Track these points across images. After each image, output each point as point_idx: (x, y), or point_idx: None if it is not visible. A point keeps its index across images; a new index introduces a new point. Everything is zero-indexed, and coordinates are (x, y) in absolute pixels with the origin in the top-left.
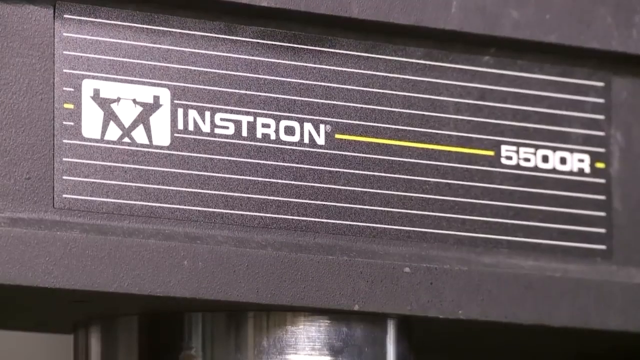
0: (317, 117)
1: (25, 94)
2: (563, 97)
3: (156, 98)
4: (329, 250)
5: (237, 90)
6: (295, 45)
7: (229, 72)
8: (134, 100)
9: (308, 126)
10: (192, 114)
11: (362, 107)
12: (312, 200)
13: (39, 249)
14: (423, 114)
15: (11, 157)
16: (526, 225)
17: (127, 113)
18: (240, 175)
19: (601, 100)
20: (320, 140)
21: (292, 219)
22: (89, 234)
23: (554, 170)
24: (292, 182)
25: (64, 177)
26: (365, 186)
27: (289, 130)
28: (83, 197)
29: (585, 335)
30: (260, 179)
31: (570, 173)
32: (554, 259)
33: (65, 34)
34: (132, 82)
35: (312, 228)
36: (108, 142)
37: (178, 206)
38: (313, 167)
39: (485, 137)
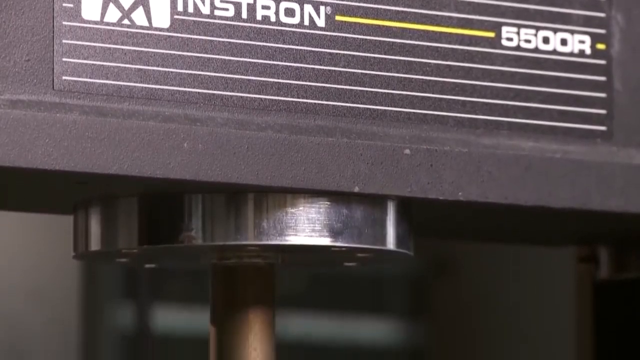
0: None
1: None
2: None
3: None
4: (329, 132)
5: None
6: None
7: None
8: None
9: (308, 8)
10: None
11: None
12: (312, 82)
13: (38, 131)
14: None
15: (10, 39)
16: (526, 107)
17: None
18: (240, 57)
19: None
20: (320, 22)
21: (292, 101)
22: (89, 116)
23: (554, 52)
24: (292, 64)
25: (64, 59)
26: (365, 68)
27: (289, 12)
28: (82, 79)
29: (585, 216)
30: (260, 61)
31: (571, 54)
32: (554, 140)
33: None
34: None
35: (312, 110)
36: (107, 24)
37: (178, 88)
38: (313, 49)
39: (486, 19)
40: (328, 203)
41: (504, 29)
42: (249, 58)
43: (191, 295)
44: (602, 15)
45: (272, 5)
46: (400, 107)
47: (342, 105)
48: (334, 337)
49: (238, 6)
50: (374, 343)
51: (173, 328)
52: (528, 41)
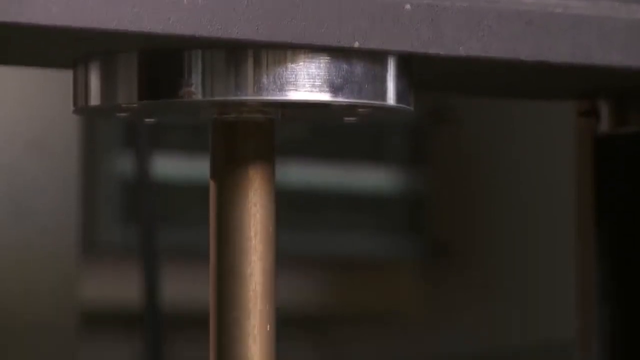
0: None
1: None
2: None
3: None
4: None
5: None
6: None
7: None
8: None
9: None
10: None
11: None
12: None
13: None
14: None
15: None
16: None
17: None
18: None
19: None
20: None
21: None
22: None
23: None
24: None
25: None
26: None
27: None
28: None
29: (586, 71)
30: None
31: None
32: None
33: None
34: None
35: None
36: None
37: None
38: None
39: None
40: (328, 58)
41: None
42: None
43: (192, 143)
44: None
45: None
46: None
47: None
48: (333, 185)
49: None
50: (373, 190)
51: (173, 175)
52: None
